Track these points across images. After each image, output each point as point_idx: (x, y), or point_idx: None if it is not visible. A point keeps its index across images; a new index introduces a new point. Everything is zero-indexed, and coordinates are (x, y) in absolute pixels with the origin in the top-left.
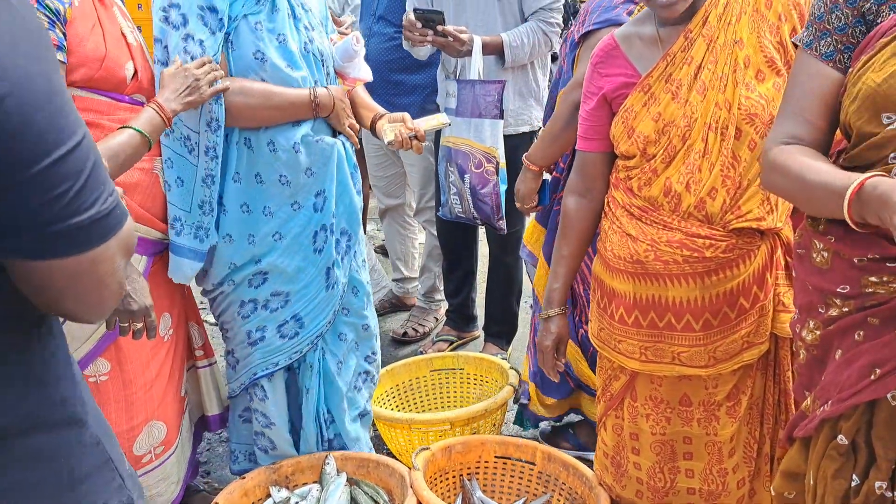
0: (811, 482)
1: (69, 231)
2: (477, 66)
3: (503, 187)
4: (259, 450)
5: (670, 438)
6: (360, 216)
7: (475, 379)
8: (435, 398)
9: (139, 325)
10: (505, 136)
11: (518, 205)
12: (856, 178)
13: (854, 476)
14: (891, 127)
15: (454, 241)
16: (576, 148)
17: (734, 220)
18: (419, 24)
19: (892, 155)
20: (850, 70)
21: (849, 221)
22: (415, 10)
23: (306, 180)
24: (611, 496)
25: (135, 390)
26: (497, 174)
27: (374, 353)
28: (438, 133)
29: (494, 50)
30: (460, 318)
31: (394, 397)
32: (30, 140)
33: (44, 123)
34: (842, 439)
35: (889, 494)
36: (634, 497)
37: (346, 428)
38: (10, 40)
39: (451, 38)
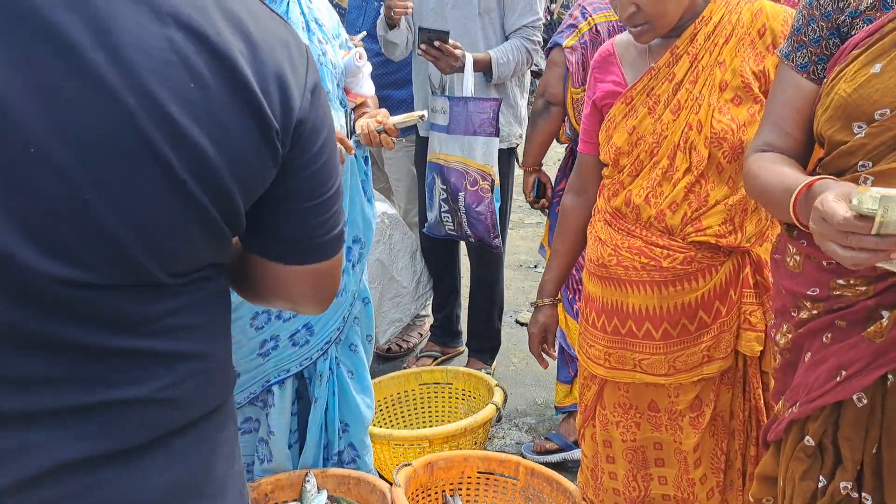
0: (781, 483)
1: (327, 242)
2: (469, 82)
3: (497, 205)
4: (258, 459)
5: (641, 445)
6: (373, 225)
7: (463, 394)
8: (422, 412)
9: None
10: None
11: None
12: (806, 179)
13: (821, 477)
14: (859, 136)
15: (437, 257)
16: (577, 149)
17: (693, 234)
18: (420, 45)
19: (860, 163)
20: (825, 81)
21: (794, 221)
22: (421, 29)
23: None
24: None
25: None
26: (492, 192)
27: (368, 364)
28: (423, 148)
29: (483, 67)
30: (445, 333)
31: (381, 410)
32: (330, 167)
33: (334, 155)
34: (808, 441)
35: (855, 495)
36: None
37: (361, 438)
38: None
39: (445, 54)
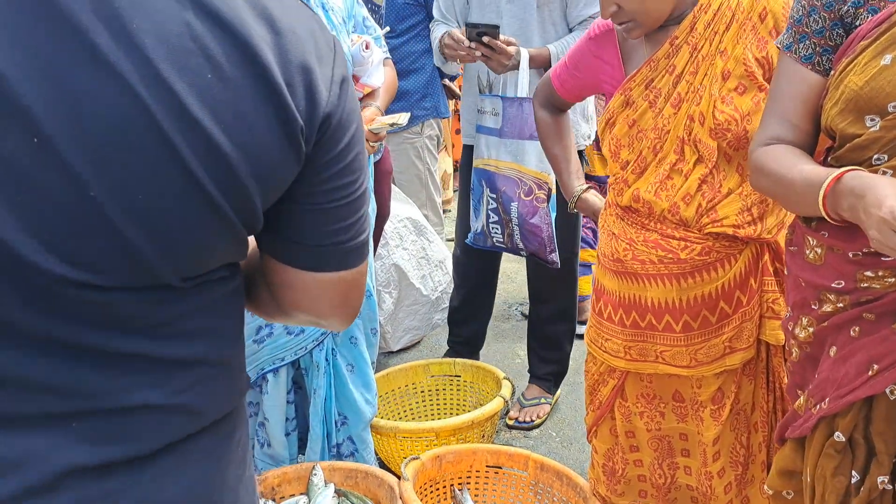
0: (808, 480)
1: (354, 248)
2: (524, 81)
3: (554, 215)
4: (258, 442)
5: (666, 434)
6: (374, 219)
7: (471, 386)
8: (431, 404)
9: None
10: None
11: None
12: (834, 172)
13: (853, 472)
14: (873, 129)
15: (474, 269)
16: (550, 77)
17: (709, 225)
18: (467, 42)
19: (875, 156)
20: (832, 73)
21: (824, 214)
22: (468, 25)
23: None
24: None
25: None
26: (547, 201)
27: (373, 360)
28: (469, 156)
29: (541, 63)
30: (466, 347)
31: (390, 402)
32: (357, 165)
33: (362, 153)
34: (839, 436)
35: (890, 487)
36: (637, 497)
37: (360, 433)
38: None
39: (497, 51)
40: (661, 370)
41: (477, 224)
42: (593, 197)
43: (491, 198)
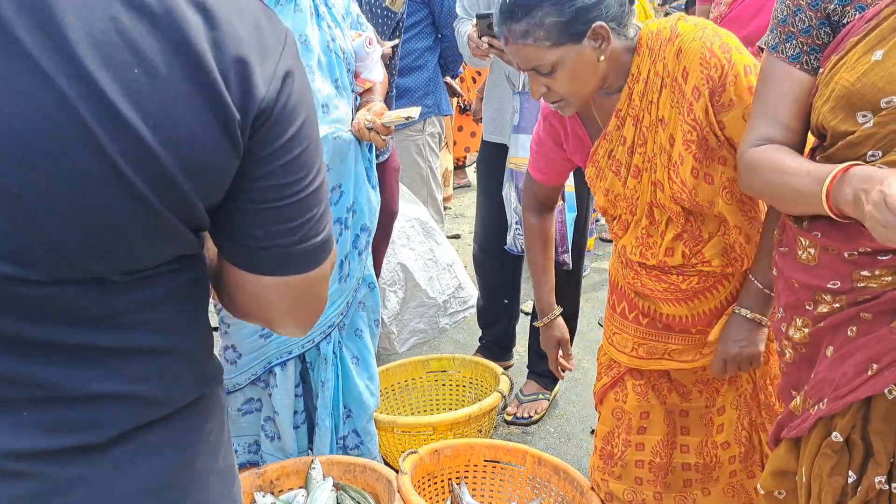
0: (804, 480)
1: (304, 252)
2: None
3: (571, 215)
4: (266, 437)
5: (670, 409)
6: (376, 213)
7: (470, 382)
8: (429, 399)
9: None
10: None
11: None
12: (839, 166)
13: (850, 472)
14: (867, 125)
15: (495, 272)
16: (529, 171)
17: (699, 265)
18: (481, 37)
19: (869, 153)
20: (821, 71)
21: (825, 208)
22: (478, 16)
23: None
24: (601, 498)
25: None
26: (563, 199)
27: (375, 350)
28: (487, 154)
29: None
30: (499, 347)
31: (389, 397)
32: (304, 162)
33: (312, 150)
34: (836, 436)
35: (886, 488)
36: (633, 483)
37: (364, 424)
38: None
39: None
40: (664, 366)
41: (510, 234)
42: (561, 325)
43: (514, 197)
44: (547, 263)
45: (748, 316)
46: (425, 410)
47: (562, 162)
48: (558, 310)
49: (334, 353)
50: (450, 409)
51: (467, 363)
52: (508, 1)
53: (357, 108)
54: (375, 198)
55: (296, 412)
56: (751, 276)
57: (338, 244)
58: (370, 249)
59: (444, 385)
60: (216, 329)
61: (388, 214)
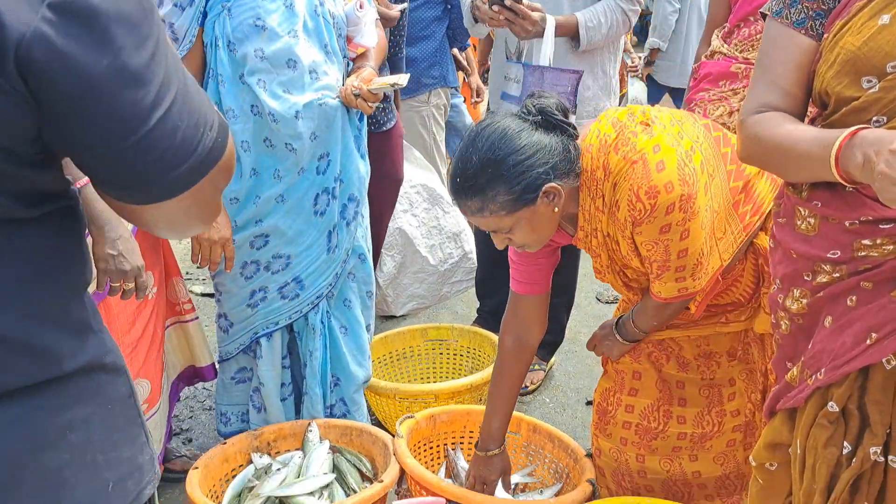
0: (798, 451)
1: (167, 183)
2: (548, 49)
3: None
4: (254, 408)
5: (665, 378)
6: (366, 183)
7: (468, 352)
8: (427, 368)
9: (130, 286)
10: None
11: None
12: (848, 129)
13: (845, 443)
14: (872, 90)
15: (491, 243)
16: (511, 289)
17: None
18: (487, 5)
19: (874, 118)
20: (825, 37)
21: (835, 174)
22: None
23: (310, 144)
24: (593, 454)
25: (122, 349)
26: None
27: (371, 322)
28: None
29: (567, 31)
30: (495, 318)
31: (387, 365)
32: (125, 113)
33: (132, 89)
34: (832, 406)
35: (881, 459)
36: (618, 443)
37: (351, 394)
38: None
39: (520, 16)
40: (666, 335)
41: None
42: (505, 456)
43: None
44: (510, 397)
45: (616, 335)
46: (423, 379)
47: (545, 255)
48: (503, 448)
49: (322, 322)
50: (447, 378)
51: (466, 333)
52: (459, 181)
53: (348, 75)
54: (364, 167)
55: (283, 384)
56: (631, 319)
57: (325, 215)
58: (360, 220)
59: (441, 354)
60: (211, 296)
61: (393, 182)
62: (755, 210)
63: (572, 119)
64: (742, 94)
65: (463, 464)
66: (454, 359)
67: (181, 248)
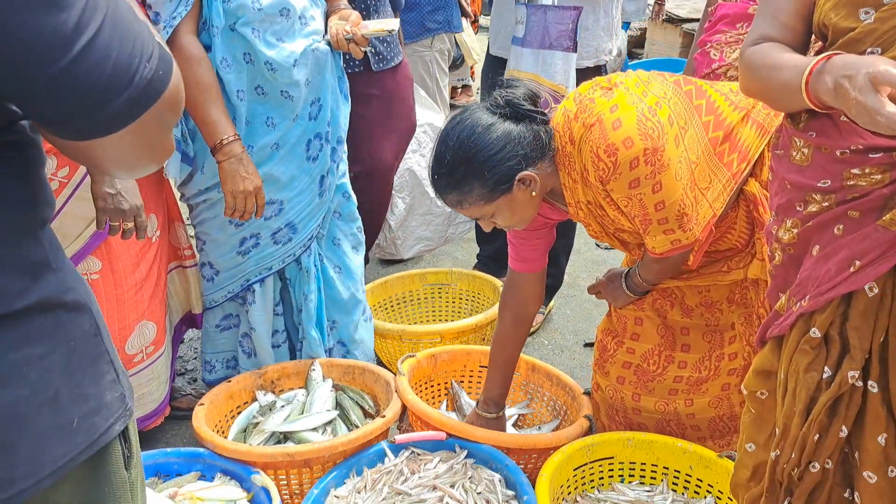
0: (782, 376)
1: (104, 117)
2: None
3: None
4: (243, 353)
5: (670, 325)
6: (348, 123)
7: (467, 295)
8: (427, 311)
9: (130, 225)
10: None
11: None
12: (817, 57)
13: (826, 368)
14: (868, 21)
15: None
16: (510, 266)
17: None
18: None
19: (868, 50)
20: None
21: (805, 97)
22: None
23: (304, 91)
24: (592, 389)
25: (125, 290)
26: None
27: (364, 253)
28: (491, 67)
29: None
30: (494, 262)
31: (387, 309)
32: (45, 38)
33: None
34: (815, 332)
35: (859, 384)
36: (615, 382)
37: (351, 334)
38: None
39: None
40: (669, 283)
41: None
42: (496, 425)
43: None
44: (508, 366)
45: (624, 286)
46: (422, 321)
47: (543, 231)
48: (501, 412)
49: (315, 265)
50: (447, 320)
51: (465, 276)
52: (437, 178)
53: (327, 16)
54: (347, 108)
55: (276, 331)
56: (637, 271)
57: (318, 160)
58: (345, 157)
59: (441, 298)
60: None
61: (408, 127)
62: (742, 157)
63: (573, 59)
64: None
65: (465, 398)
66: (454, 302)
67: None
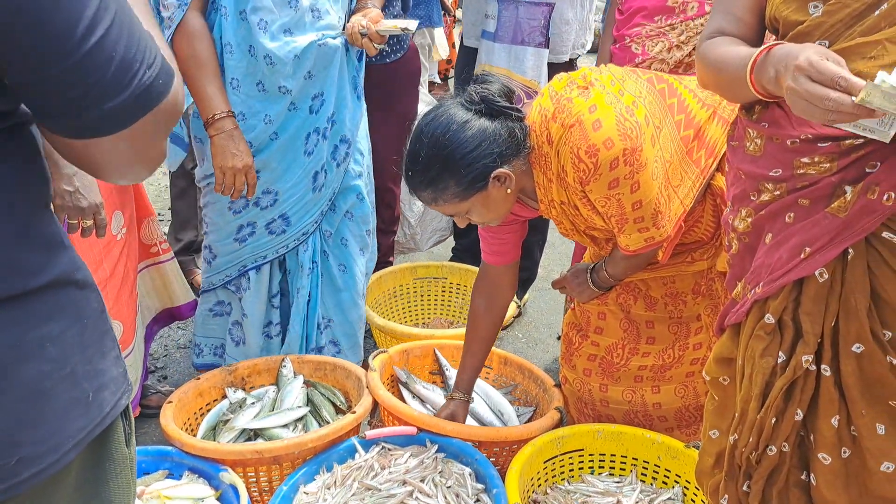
0: (740, 362)
1: (102, 116)
2: None
3: None
4: (232, 341)
5: (634, 320)
6: (359, 122)
7: (458, 288)
8: (417, 305)
9: (89, 223)
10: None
11: None
12: (763, 47)
13: (780, 353)
14: (816, 14)
15: None
16: (483, 260)
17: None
18: None
19: (817, 43)
20: None
21: (750, 87)
22: None
23: (305, 83)
24: (561, 382)
25: None
26: None
27: (372, 264)
28: (465, 59)
29: None
30: (469, 255)
31: (380, 304)
32: (65, 31)
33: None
34: (769, 318)
35: (813, 368)
36: (581, 375)
37: (347, 333)
38: None
39: None
40: (633, 276)
41: None
42: (466, 409)
43: None
44: (480, 354)
45: (589, 281)
46: (413, 317)
47: (514, 227)
48: (466, 397)
49: (314, 261)
50: (437, 314)
51: (455, 270)
52: (411, 174)
53: (352, 13)
54: (360, 108)
55: (271, 322)
56: (604, 268)
57: (313, 155)
58: (357, 159)
59: (430, 290)
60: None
61: (409, 121)
62: (709, 153)
63: (545, 55)
64: (680, 29)
65: (448, 366)
66: (444, 295)
67: (153, 190)
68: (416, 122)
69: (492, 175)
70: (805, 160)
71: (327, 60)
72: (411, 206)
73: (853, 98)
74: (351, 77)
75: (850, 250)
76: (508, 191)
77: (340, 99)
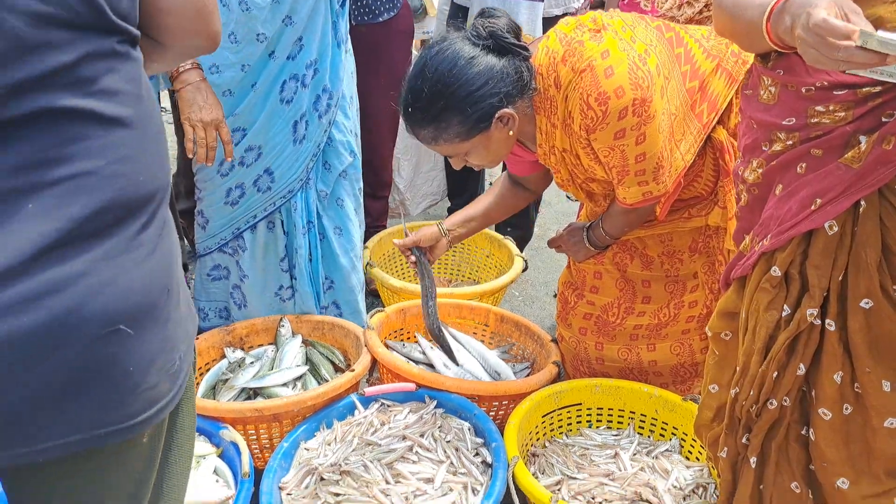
0: (744, 315)
1: None
2: None
3: None
4: (234, 304)
5: (630, 279)
6: (341, 74)
7: (457, 246)
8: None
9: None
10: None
11: None
12: None
13: (785, 306)
14: None
15: None
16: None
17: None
18: None
19: None
20: None
21: (766, 38)
22: None
23: (283, 28)
24: (558, 340)
25: None
26: None
27: (363, 224)
28: (457, 13)
29: None
30: None
31: (382, 266)
32: None
33: None
34: (775, 271)
35: (817, 322)
36: (577, 333)
37: (346, 296)
38: None
39: None
40: (630, 234)
41: None
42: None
43: None
44: (482, 207)
45: (585, 240)
46: (414, 276)
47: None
48: (445, 230)
49: (311, 221)
50: (438, 274)
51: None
52: (411, 111)
53: None
54: (340, 57)
55: (282, 286)
56: (601, 226)
57: (292, 104)
58: (337, 114)
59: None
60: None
61: (399, 82)
62: (711, 108)
63: (540, 8)
64: None
65: (453, 331)
66: (445, 255)
67: None
68: (419, 55)
69: (496, 115)
70: (819, 108)
71: (309, 5)
72: (400, 172)
73: (858, 42)
74: (332, 22)
75: (863, 202)
76: (511, 133)
77: (323, 46)
